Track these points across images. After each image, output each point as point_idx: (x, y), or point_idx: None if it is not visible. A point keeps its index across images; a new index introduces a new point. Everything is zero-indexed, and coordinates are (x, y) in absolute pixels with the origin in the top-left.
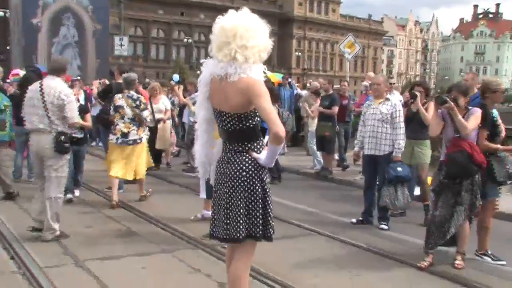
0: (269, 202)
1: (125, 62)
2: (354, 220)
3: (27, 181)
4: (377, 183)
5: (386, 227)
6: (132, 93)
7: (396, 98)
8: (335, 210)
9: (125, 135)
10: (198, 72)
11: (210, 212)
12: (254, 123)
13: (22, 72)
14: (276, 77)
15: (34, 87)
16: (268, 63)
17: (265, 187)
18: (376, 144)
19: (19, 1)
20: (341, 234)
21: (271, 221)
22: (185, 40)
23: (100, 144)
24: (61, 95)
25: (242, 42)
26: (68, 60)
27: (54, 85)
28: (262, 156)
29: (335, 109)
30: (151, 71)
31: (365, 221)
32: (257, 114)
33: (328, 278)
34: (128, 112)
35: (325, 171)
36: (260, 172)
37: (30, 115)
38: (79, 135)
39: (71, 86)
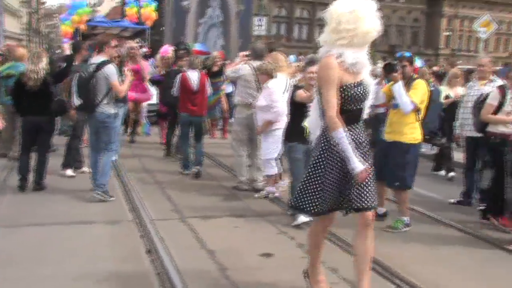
0: (314, 176)
1: (265, 42)
2: (452, 200)
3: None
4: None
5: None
6: None
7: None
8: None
9: None
10: None
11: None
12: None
13: (171, 49)
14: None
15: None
16: (414, 43)
17: (316, 162)
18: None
19: None
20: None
21: (307, 195)
22: None
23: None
24: None
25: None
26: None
27: None
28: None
29: None
30: (292, 51)
31: (465, 202)
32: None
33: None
34: None
35: None
36: (322, 152)
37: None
38: None
39: None
